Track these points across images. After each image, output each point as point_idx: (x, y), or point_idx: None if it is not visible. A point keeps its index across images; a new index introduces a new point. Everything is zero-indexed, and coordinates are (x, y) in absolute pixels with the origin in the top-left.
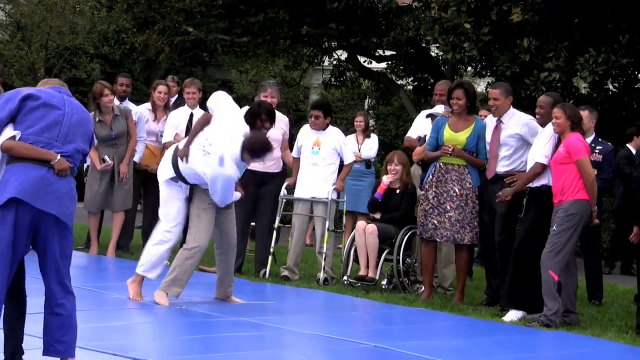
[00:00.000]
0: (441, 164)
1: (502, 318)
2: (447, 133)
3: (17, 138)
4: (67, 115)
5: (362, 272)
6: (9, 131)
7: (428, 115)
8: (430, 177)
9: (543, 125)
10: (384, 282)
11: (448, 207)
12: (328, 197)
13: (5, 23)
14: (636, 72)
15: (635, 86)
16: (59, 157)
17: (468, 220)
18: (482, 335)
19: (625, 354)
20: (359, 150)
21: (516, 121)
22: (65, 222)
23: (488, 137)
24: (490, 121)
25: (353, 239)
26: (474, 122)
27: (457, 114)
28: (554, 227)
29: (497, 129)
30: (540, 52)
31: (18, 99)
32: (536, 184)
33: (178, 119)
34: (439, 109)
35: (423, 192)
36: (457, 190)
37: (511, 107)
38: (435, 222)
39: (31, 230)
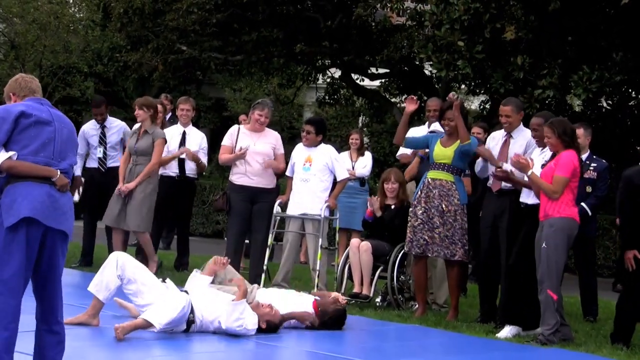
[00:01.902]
0: (429, 179)
1: (497, 335)
2: (438, 148)
3: (14, 159)
4: (57, 131)
5: (356, 290)
6: (3, 152)
7: (430, 132)
8: (419, 192)
9: (544, 145)
10: (378, 299)
11: (437, 223)
12: (321, 214)
13: None
14: (630, 90)
15: (629, 103)
16: (59, 173)
17: (458, 236)
18: (477, 353)
19: None
20: (353, 168)
21: (523, 136)
22: (68, 237)
23: (494, 151)
24: (498, 135)
25: (347, 256)
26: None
27: (448, 133)
28: (544, 245)
29: (506, 143)
30: (534, 70)
31: (12, 118)
32: (531, 201)
33: (170, 137)
34: (437, 126)
35: (411, 209)
36: (444, 206)
37: (521, 123)
38: (426, 237)
39: (39, 248)
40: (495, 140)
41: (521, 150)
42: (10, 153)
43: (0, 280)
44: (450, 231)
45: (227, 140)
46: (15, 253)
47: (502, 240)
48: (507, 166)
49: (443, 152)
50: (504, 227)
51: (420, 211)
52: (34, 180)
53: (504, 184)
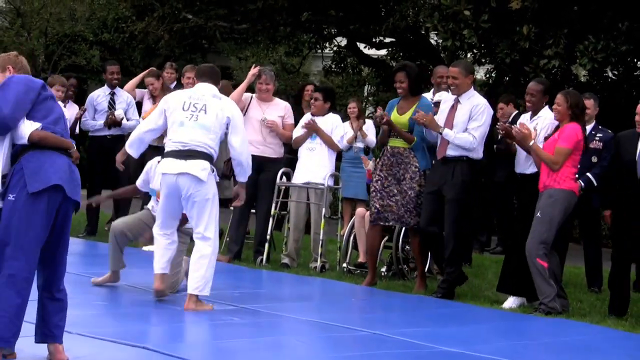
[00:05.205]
0: (389, 147)
1: (502, 305)
2: (394, 116)
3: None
4: (62, 112)
5: (361, 259)
6: (30, 122)
7: (435, 103)
8: (379, 160)
9: (535, 113)
10: (383, 269)
11: (395, 191)
12: (324, 183)
13: (5, 10)
14: (635, 60)
15: (635, 73)
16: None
17: (413, 203)
18: (482, 322)
19: (623, 341)
20: (356, 139)
21: (470, 102)
22: (79, 207)
23: (444, 114)
24: (449, 98)
25: (353, 226)
26: (417, 103)
27: (403, 96)
28: (538, 214)
29: (454, 109)
30: (540, 40)
31: (37, 88)
32: (529, 170)
33: None
34: (444, 95)
35: (373, 175)
36: (401, 173)
37: (471, 87)
38: (378, 205)
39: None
40: (446, 104)
41: (466, 117)
42: (37, 125)
43: (20, 246)
44: (406, 199)
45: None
46: (36, 219)
47: (448, 210)
48: (448, 132)
49: (398, 120)
50: (452, 197)
51: (376, 178)
52: (55, 150)
53: (448, 152)
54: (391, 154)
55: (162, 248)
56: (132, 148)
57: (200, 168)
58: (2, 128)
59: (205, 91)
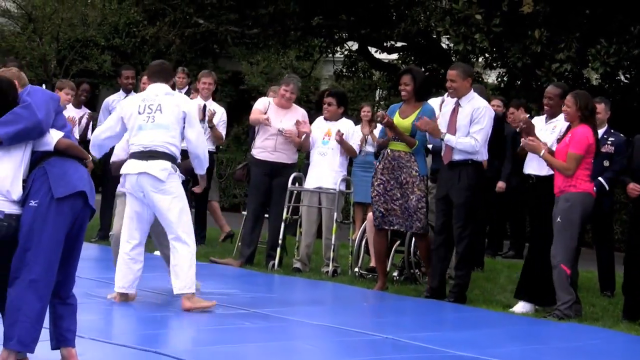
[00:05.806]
0: (389, 150)
1: (513, 309)
2: (396, 120)
3: None
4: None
5: (372, 264)
6: (53, 130)
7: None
8: (379, 164)
9: (552, 117)
10: (395, 273)
11: (398, 195)
12: (335, 188)
13: (17, 15)
14: None
15: None
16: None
17: (414, 208)
18: (493, 327)
19: (637, 345)
20: (366, 142)
21: (471, 105)
22: (94, 213)
23: (445, 118)
24: (450, 102)
25: (364, 231)
26: (421, 108)
27: (406, 100)
28: (558, 219)
29: (455, 112)
30: (552, 43)
31: (58, 100)
32: (543, 172)
33: None
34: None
35: (372, 180)
36: (402, 177)
37: (471, 89)
38: (382, 209)
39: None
40: (447, 107)
41: (467, 120)
42: (61, 133)
43: (41, 251)
44: (408, 203)
45: (259, 105)
46: (59, 225)
47: (456, 214)
48: (450, 138)
49: (401, 124)
50: (459, 202)
51: (377, 182)
52: (74, 159)
53: (454, 156)
54: (392, 158)
55: (124, 267)
56: (94, 150)
57: (160, 168)
58: (37, 132)
59: (158, 91)
